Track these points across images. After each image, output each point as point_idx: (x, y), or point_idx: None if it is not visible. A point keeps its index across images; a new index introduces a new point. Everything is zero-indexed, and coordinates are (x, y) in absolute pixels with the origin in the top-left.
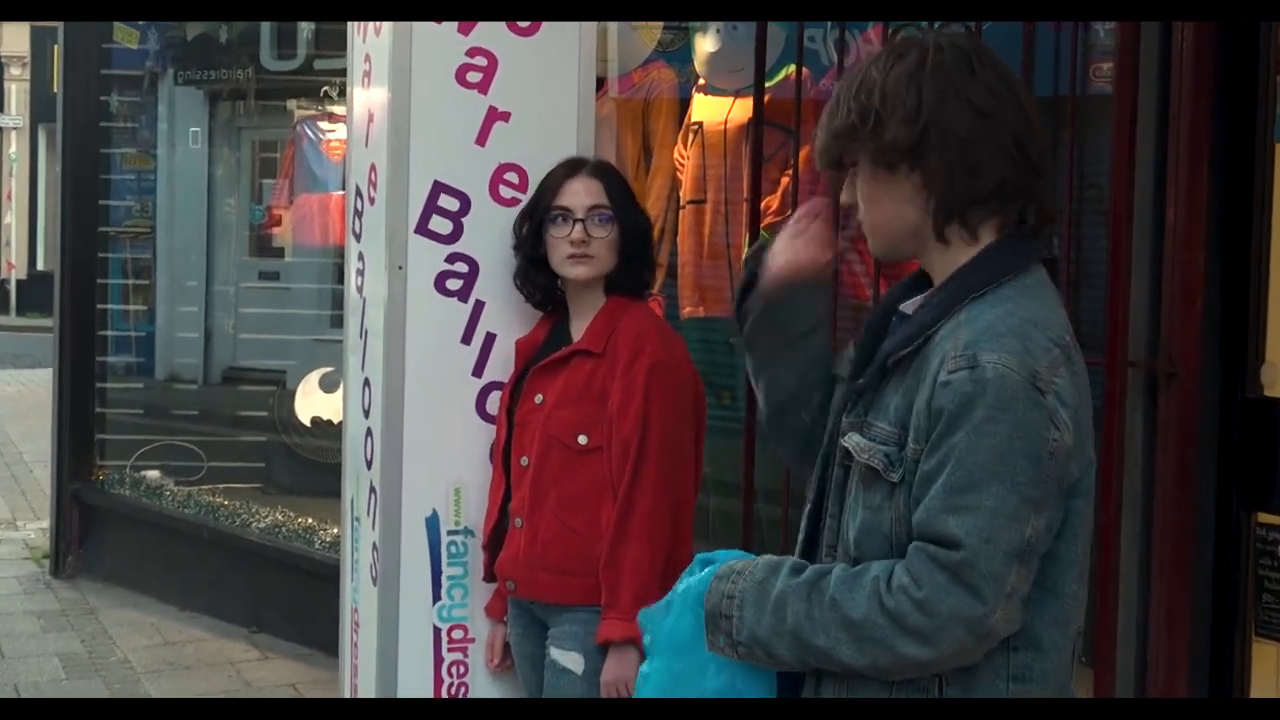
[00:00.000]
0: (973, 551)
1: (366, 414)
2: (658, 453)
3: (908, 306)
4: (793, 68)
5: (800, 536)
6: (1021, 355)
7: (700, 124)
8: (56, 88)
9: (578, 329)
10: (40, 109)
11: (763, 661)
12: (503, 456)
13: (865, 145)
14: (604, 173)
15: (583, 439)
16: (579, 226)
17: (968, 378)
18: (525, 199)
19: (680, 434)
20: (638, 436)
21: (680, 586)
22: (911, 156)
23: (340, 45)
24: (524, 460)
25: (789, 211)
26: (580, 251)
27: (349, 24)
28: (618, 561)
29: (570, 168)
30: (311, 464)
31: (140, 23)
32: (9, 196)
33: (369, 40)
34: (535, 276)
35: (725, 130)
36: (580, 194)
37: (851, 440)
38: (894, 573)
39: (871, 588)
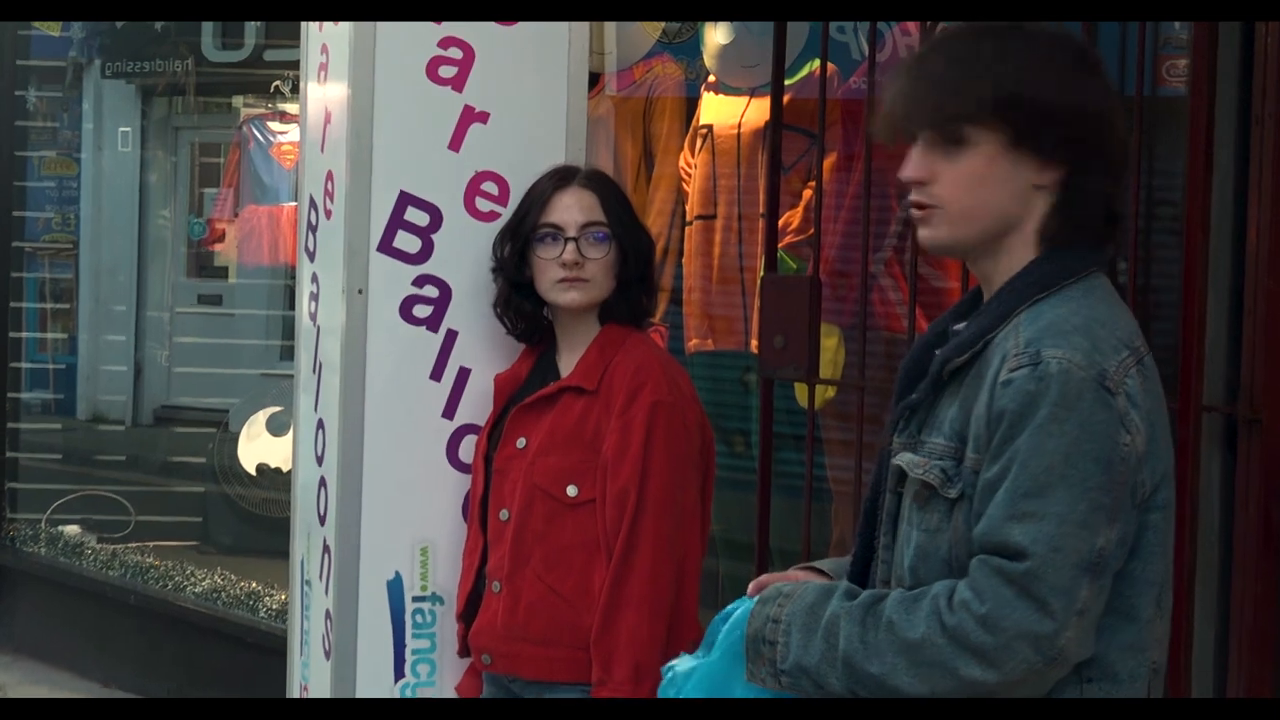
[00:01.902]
0: (1040, 561)
1: (320, 461)
2: (659, 506)
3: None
4: (817, 63)
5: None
6: (1089, 352)
7: (710, 127)
8: None
9: (567, 363)
10: None
11: (809, 693)
12: (480, 510)
13: (1005, 123)
14: (599, 184)
15: (572, 490)
16: (571, 246)
17: (1030, 375)
18: (506, 213)
19: (686, 485)
20: (636, 487)
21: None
22: (1058, 148)
23: (293, 34)
24: (503, 514)
25: (811, 230)
26: (573, 275)
27: None
28: (612, 632)
29: (560, 178)
30: (256, 519)
31: None
32: None
33: (326, 29)
34: (519, 304)
35: (739, 134)
36: (572, 209)
37: (904, 458)
38: (955, 589)
39: (931, 606)
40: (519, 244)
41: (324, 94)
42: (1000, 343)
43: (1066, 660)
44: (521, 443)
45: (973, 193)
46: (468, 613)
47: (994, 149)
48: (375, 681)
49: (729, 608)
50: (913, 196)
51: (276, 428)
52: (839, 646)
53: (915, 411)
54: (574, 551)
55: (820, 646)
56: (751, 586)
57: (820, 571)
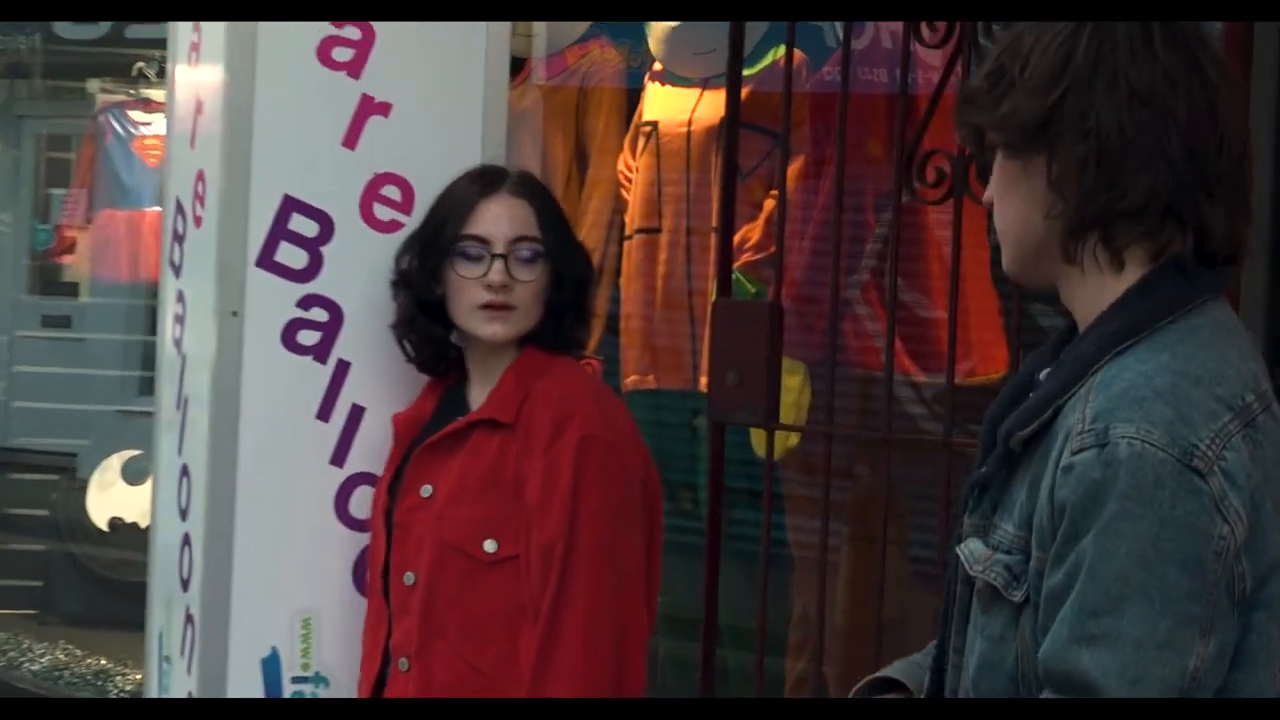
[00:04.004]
0: (1114, 697)
1: (184, 515)
2: (594, 561)
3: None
4: (782, 50)
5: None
6: (1171, 425)
7: (655, 124)
8: None
9: (479, 397)
10: None
11: None
12: (383, 577)
13: (986, 116)
14: (532, 191)
15: (490, 545)
16: (499, 265)
17: (1094, 459)
18: (411, 223)
19: (627, 535)
20: (564, 538)
21: None
22: (1037, 140)
23: None
24: (408, 577)
25: (772, 247)
26: (500, 300)
27: None
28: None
29: (485, 182)
30: (108, 583)
31: None
32: None
33: None
34: (426, 327)
35: (689, 133)
36: (501, 220)
37: (967, 549)
38: None
39: None
40: (433, 257)
41: (195, 79)
42: (1071, 409)
43: None
44: (427, 491)
45: (998, 212)
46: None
47: (998, 155)
48: None
49: None
50: None
51: (133, 475)
52: None
53: (987, 488)
54: (495, 619)
55: None
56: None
57: (897, 683)
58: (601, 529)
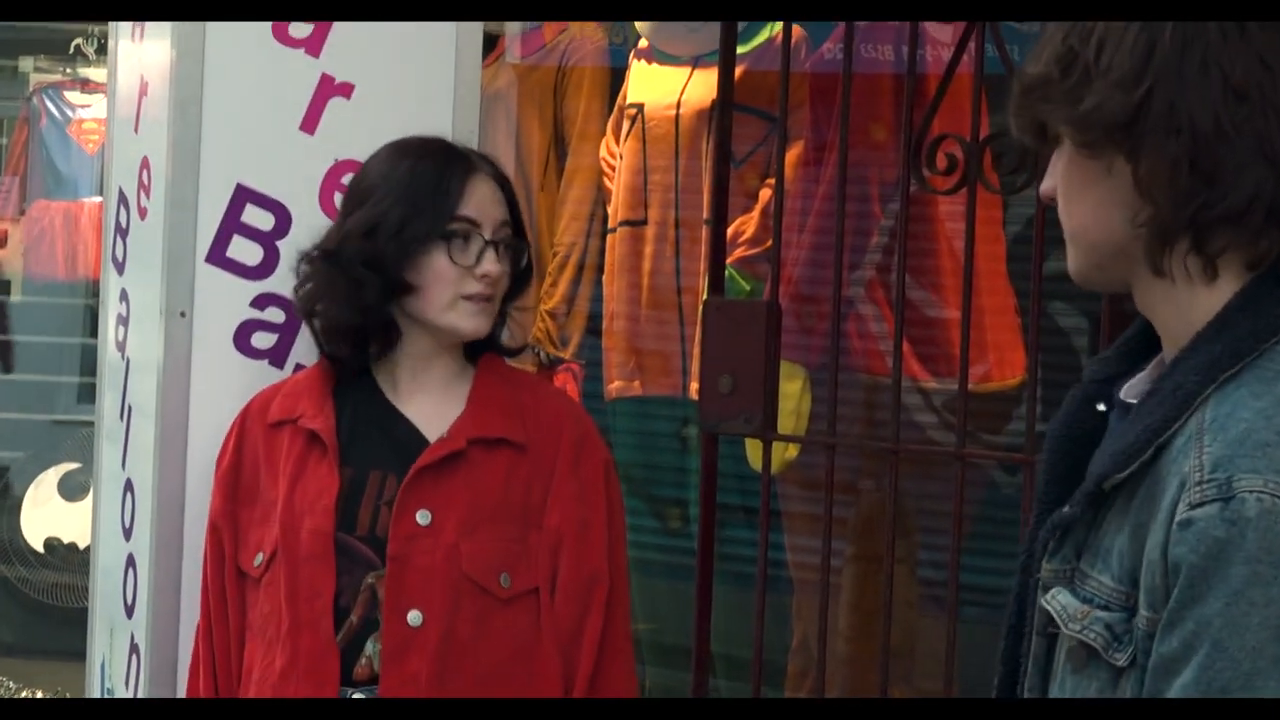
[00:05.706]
0: None
1: (128, 535)
2: (623, 586)
3: (1130, 390)
4: (779, 25)
5: None
6: None
7: (641, 107)
8: None
9: (420, 405)
10: None
11: None
12: (331, 610)
13: (1060, 111)
14: (498, 172)
15: (504, 579)
16: (491, 253)
17: (1217, 516)
18: None
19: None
20: (607, 570)
21: None
22: (1121, 140)
23: None
24: (414, 617)
25: (769, 241)
26: (489, 292)
27: None
28: None
29: (466, 161)
30: (44, 609)
31: None
32: None
33: None
34: (386, 319)
35: (677, 116)
36: (489, 202)
37: (1057, 602)
38: None
39: None
40: (409, 237)
41: (140, 57)
42: (1180, 451)
43: None
44: (425, 517)
45: (1068, 211)
46: None
47: (1068, 149)
48: None
49: None
50: None
51: (71, 491)
52: None
53: (1070, 531)
54: (513, 663)
55: None
56: None
57: None
58: (625, 558)
